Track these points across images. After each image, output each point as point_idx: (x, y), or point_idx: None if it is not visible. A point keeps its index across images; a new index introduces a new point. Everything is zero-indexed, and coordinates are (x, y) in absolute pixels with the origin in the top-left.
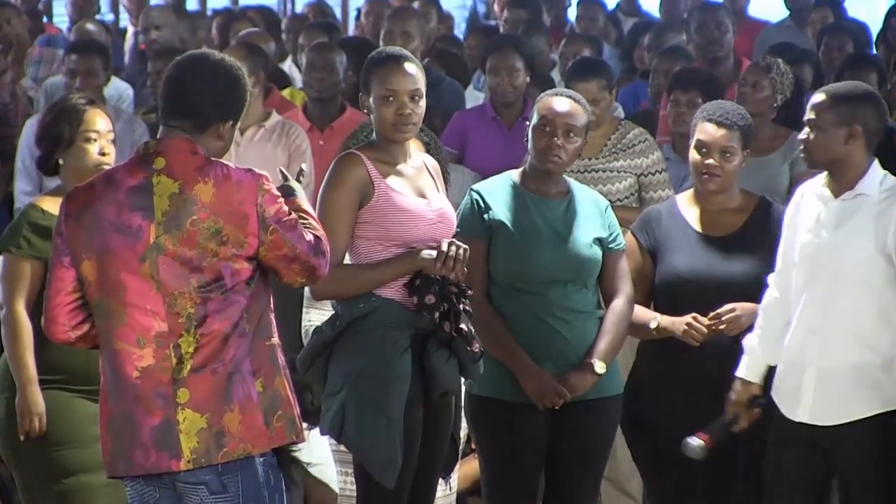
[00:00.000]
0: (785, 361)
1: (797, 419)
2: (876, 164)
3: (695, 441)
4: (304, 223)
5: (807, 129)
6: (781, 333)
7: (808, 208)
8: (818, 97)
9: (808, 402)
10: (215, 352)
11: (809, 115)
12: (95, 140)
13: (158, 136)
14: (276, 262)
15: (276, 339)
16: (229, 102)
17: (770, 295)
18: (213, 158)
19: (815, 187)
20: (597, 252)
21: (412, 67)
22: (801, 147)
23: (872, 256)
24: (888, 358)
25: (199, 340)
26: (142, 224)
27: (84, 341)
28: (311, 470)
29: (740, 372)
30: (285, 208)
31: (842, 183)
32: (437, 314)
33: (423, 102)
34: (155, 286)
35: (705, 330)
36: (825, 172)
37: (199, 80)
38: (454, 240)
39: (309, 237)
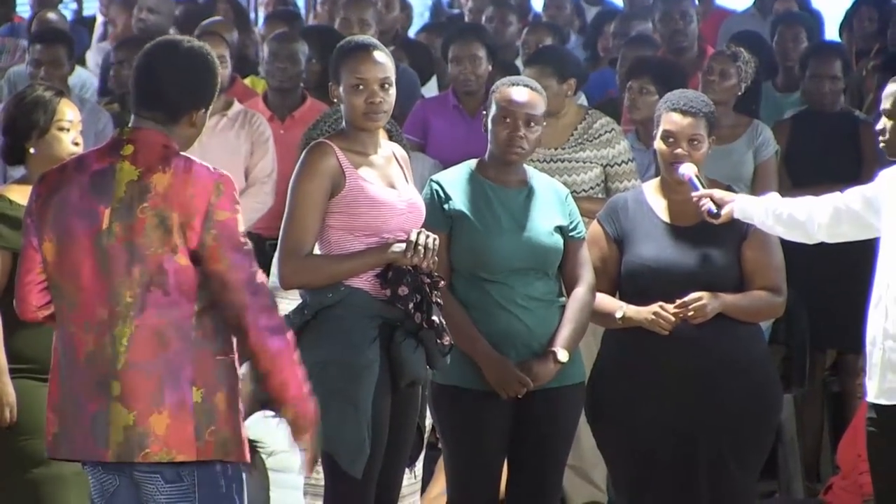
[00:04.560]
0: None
1: (869, 399)
2: None
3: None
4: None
5: (884, 119)
6: (791, 218)
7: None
8: (892, 87)
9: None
10: (151, 349)
11: (885, 104)
12: (68, 130)
13: (131, 125)
14: (212, 276)
15: (232, 357)
16: (201, 90)
17: (833, 200)
18: (181, 152)
19: None
20: (557, 240)
21: (381, 56)
22: (879, 137)
23: None
24: None
25: (134, 332)
26: (99, 209)
27: (52, 319)
28: (273, 459)
29: (739, 199)
30: (240, 226)
31: None
32: (410, 305)
33: (393, 91)
34: (102, 272)
35: (672, 318)
36: None
37: (170, 69)
38: (423, 230)
39: (253, 277)
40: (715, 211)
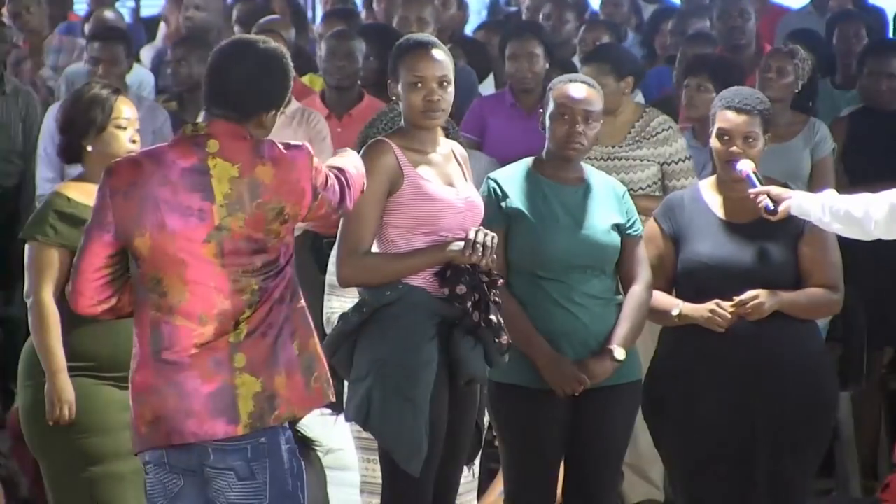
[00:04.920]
0: None
1: None
2: None
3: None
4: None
5: None
6: (847, 214)
7: None
8: None
9: None
10: (266, 318)
11: None
12: (125, 128)
13: (205, 120)
14: (318, 219)
15: (303, 302)
16: (274, 91)
17: (890, 196)
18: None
19: None
20: (615, 238)
21: (440, 54)
22: None
23: None
24: None
25: (257, 311)
26: (202, 206)
27: (109, 313)
28: (330, 457)
29: (796, 195)
30: (323, 170)
31: None
32: (468, 304)
33: (451, 89)
34: (219, 265)
35: (729, 316)
36: None
37: (244, 70)
38: (482, 228)
39: (337, 187)
40: (773, 207)
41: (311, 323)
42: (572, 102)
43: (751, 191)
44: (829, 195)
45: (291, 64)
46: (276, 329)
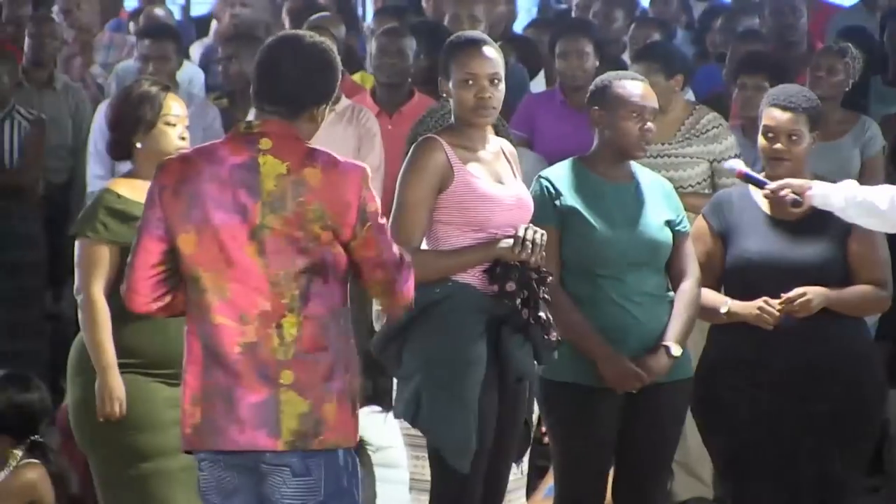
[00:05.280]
0: None
1: None
2: None
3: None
4: None
5: None
6: (868, 204)
7: None
8: None
9: None
10: (318, 337)
11: None
12: (175, 125)
13: (257, 118)
14: (363, 262)
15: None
16: (323, 86)
17: None
18: (313, 145)
19: None
20: (668, 235)
21: (491, 51)
22: None
23: None
24: None
25: (303, 322)
26: (247, 203)
27: (164, 311)
28: (380, 454)
29: (816, 186)
30: (380, 212)
31: None
32: (517, 301)
33: (502, 86)
34: (260, 265)
35: (777, 313)
36: None
37: (293, 65)
38: (531, 225)
39: (396, 251)
40: (799, 199)
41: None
42: (643, 102)
43: (769, 186)
44: (852, 186)
45: (339, 58)
46: (332, 355)
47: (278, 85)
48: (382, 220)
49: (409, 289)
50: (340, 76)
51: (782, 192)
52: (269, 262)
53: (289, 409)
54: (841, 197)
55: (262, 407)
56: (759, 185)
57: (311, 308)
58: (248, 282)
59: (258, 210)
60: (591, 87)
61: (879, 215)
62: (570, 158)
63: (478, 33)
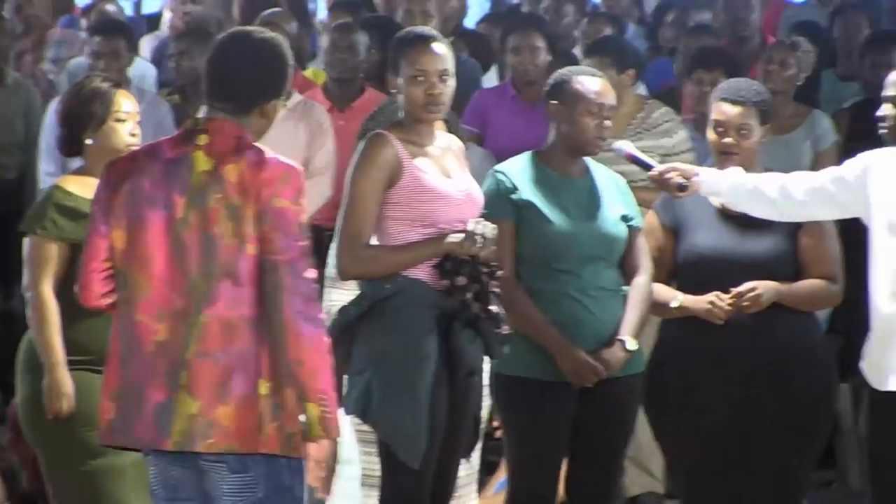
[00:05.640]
0: (872, 330)
1: (887, 388)
2: None
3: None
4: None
5: (886, 106)
6: (758, 191)
7: (891, 178)
8: None
9: None
10: (220, 340)
11: (889, 91)
12: (125, 121)
13: (205, 115)
14: (263, 263)
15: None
16: (274, 82)
17: (809, 179)
18: (255, 143)
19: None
20: (623, 229)
21: (441, 47)
22: (880, 123)
23: None
24: None
25: (205, 322)
26: (174, 198)
27: (115, 308)
28: None
29: (703, 172)
30: (299, 219)
31: None
32: (468, 296)
33: (452, 82)
34: (177, 261)
35: (727, 308)
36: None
37: (243, 62)
38: (480, 219)
39: (299, 264)
40: (685, 184)
41: (289, 361)
42: (601, 98)
43: (657, 169)
44: (738, 173)
45: (290, 53)
46: (234, 359)
47: (228, 82)
48: (296, 229)
49: (298, 311)
50: (291, 71)
51: (668, 176)
52: (184, 258)
53: (181, 410)
54: (728, 184)
55: (163, 406)
56: (646, 167)
57: (216, 308)
58: (166, 278)
59: (182, 205)
60: (550, 80)
61: (769, 203)
62: (527, 153)
63: (427, 29)
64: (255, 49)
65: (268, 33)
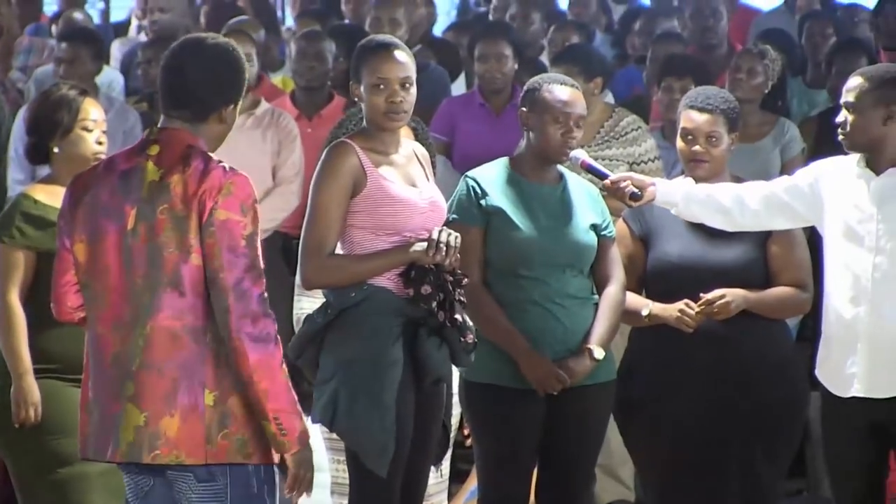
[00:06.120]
0: (829, 337)
1: (850, 394)
2: None
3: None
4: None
5: (844, 112)
6: (712, 201)
7: (844, 184)
8: (855, 80)
9: (862, 375)
10: (165, 351)
11: (847, 97)
12: (92, 130)
13: (160, 125)
14: (208, 280)
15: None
16: (229, 87)
17: (762, 188)
18: (213, 149)
19: (848, 166)
20: (593, 238)
21: (402, 55)
22: (839, 129)
23: None
24: None
25: (149, 333)
26: (125, 209)
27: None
28: None
29: (658, 182)
30: (243, 231)
31: (881, 162)
32: (433, 304)
33: (413, 90)
34: (127, 272)
35: (698, 316)
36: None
37: (197, 68)
38: (445, 227)
39: (244, 285)
40: (638, 193)
41: (241, 381)
42: (569, 107)
43: (611, 178)
44: (691, 183)
45: (243, 58)
46: (178, 370)
47: (183, 89)
48: (238, 242)
49: (245, 332)
50: (246, 76)
51: (622, 184)
52: (133, 268)
53: (128, 421)
54: (682, 193)
55: (116, 418)
56: (601, 176)
57: (160, 319)
58: (119, 289)
59: (132, 216)
60: (525, 87)
61: (724, 212)
62: (500, 159)
63: (389, 37)
64: (208, 55)
65: (220, 39)
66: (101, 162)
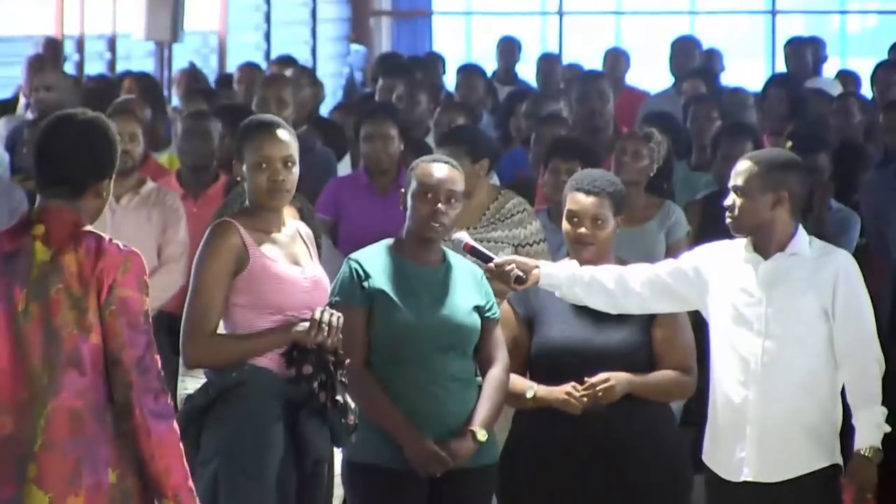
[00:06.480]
0: (717, 421)
1: (740, 479)
2: (801, 227)
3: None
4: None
5: (733, 196)
6: (595, 283)
7: (731, 268)
8: (744, 164)
9: (752, 460)
10: (67, 431)
11: (736, 181)
12: None
13: (38, 204)
14: (108, 357)
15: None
16: (101, 160)
17: (645, 271)
18: (90, 223)
19: (735, 250)
20: (476, 319)
21: (285, 134)
22: (727, 213)
23: (814, 312)
24: (827, 411)
25: (51, 413)
26: (14, 291)
27: None
28: None
29: (542, 264)
30: (142, 307)
31: (769, 246)
32: (315, 384)
33: (296, 169)
34: (20, 354)
35: (584, 399)
36: (740, 238)
37: (67, 144)
38: (327, 308)
39: (145, 360)
40: (523, 276)
41: (142, 458)
42: (435, 182)
43: (496, 261)
44: (575, 265)
45: (114, 131)
46: (81, 449)
47: (55, 166)
48: (139, 318)
49: (148, 408)
50: (117, 148)
51: (507, 268)
52: (27, 350)
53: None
54: (566, 276)
55: (12, 502)
56: (485, 259)
57: (61, 399)
58: (9, 371)
59: (22, 297)
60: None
61: (606, 293)
62: (383, 241)
63: (271, 116)
64: (79, 130)
65: (90, 113)
66: None
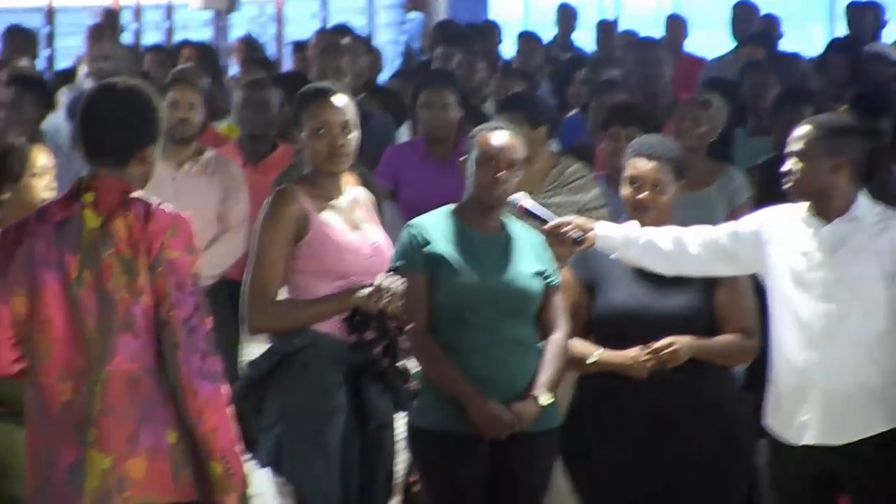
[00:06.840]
0: (780, 385)
1: (803, 442)
2: (862, 192)
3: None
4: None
5: (793, 160)
6: (652, 245)
7: (791, 233)
8: (803, 129)
9: (814, 423)
10: (124, 394)
11: (795, 146)
12: (41, 176)
13: (89, 172)
14: (158, 318)
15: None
16: (146, 129)
17: (704, 233)
18: (139, 190)
19: (794, 214)
20: (538, 284)
21: (341, 100)
22: (787, 177)
23: (876, 276)
24: (890, 374)
25: (107, 378)
26: (67, 258)
27: (24, 374)
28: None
29: (599, 226)
30: (190, 269)
31: (829, 211)
32: (376, 350)
33: (354, 134)
34: (76, 320)
35: (649, 363)
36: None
37: (110, 113)
38: (389, 273)
39: (193, 320)
40: (582, 237)
41: (188, 418)
42: (496, 150)
43: (550, 223)
44: (634, 227)
45: (156, 98)
46: (139, 410)
47: (99, 136)
48: (187, 280)
49: (195, 368)
50: (160, 115)
51: (565, 229)
52: (81, 317)
53: (92, 467)
54: (623, 237)
55: (75, 467)
56: (541, 221)
57: (117, 363)
58: (66, 338)
59: (75, 265)
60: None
61: (664, 256)
62: (444, 207)
63: (327, 83)
64: (121, 99)
65: (131, 81)
66: (31, 215)
